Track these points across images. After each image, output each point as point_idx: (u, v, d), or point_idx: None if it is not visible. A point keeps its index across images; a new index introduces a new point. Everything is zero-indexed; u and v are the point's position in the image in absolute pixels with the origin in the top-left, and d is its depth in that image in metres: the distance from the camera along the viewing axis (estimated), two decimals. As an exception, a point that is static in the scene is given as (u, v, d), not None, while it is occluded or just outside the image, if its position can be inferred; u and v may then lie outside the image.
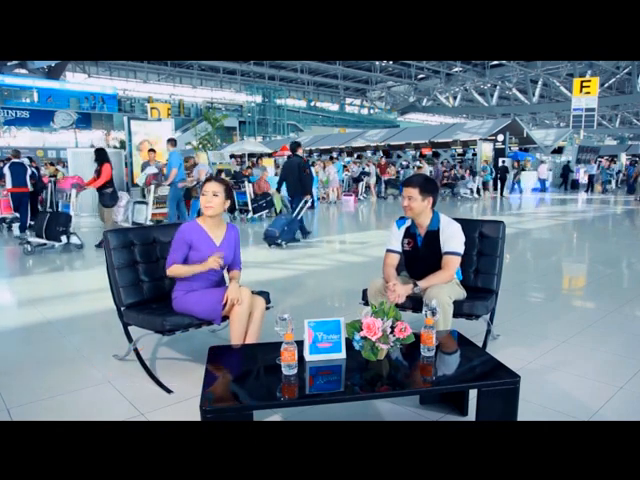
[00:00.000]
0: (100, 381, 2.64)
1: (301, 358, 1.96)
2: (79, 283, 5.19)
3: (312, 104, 44.49)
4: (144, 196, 9.53)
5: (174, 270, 2.64)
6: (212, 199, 2.63)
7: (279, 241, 6.84)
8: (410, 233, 2.87)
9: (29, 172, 8.96)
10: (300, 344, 1.99)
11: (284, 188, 13.10)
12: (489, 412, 1.88)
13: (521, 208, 13.74)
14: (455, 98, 43.72)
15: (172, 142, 8.82)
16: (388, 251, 2.90)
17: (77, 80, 34.69)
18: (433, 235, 2.79)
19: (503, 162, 18.31)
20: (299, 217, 7.28)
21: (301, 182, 7.28)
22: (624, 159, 27.14)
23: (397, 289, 2.58)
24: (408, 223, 2.89)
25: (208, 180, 2.72)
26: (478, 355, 2.17)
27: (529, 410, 2.20)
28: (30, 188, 8.99)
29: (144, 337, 2.78)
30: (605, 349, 3.02)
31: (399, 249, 2.89)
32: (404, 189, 2.79)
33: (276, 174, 14.66)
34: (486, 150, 19.24)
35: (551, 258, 6.54)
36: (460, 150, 23.18)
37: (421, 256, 2.83)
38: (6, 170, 8.87)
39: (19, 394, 2.50)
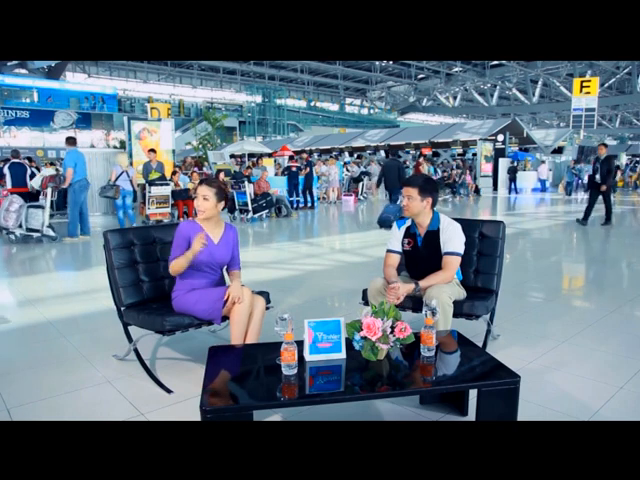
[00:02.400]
0: (100, 381, 2.64)
1: (301, 358, 1.96)
2: (79, 283, 5.19)
3: (312, 104, 44.48)
4: (143, 197, 9.47)
5: (173, 267, 2.64)
6: (202, 203, 2.65)
7: (392, 223, 8.41)
8: (410, 233, 2.87)
9: (29, 172, 8.96)
10: (300, 344, 1.99)
11: (282, 187, 13.13)
12: (489, 412, 1.88)
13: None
14: (455, 98, 43.71)
15: (70, 140, 7.85)
16: (388, 251, 2.91)
17: (77, 80, 34.69)
18: (433, 235, 2.79)
19: (512, 162, 18.91)
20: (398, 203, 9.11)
21: (399, 179, 9.20)
22: (624, 159, 27.16)
23: (399, 292, 2.59)
24: (408, 223, 2.89)
25: (200, 183, 2.73)
26: (478, 355, 2.17)
27: (529, 410, 2.20)
28: (30, 188, 8.99)
29: (144, 337, 2.78)
30: (605, 349, 3.02)
31: (399, 249, 2.89)
32: (404, 189, 2.80)
33: (276, 174, 14.67)
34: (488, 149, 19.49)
35: (550, 258, 6.55)
36: (460, 150, 23.18)
37: (421, 256, 2.83)
38: (6, 170, 8.88)
39: (19, 394, 2.49)
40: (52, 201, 11.76)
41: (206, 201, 2.65)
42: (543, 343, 3.10)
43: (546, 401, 2.34)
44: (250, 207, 10.38)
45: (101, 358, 2.95)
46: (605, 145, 9.18)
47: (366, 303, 2.88)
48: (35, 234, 7.65)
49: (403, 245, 2.89)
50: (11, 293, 4.83)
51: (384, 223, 8.60)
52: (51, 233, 7.68)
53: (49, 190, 7.68)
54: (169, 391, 2.49)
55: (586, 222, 9.06)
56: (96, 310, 3.95)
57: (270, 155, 19.95)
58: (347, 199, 15.72)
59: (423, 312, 2.11)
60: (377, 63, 39.81)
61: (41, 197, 7.91)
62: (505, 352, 2.90)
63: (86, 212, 8.04)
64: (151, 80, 39.54)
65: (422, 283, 2.67)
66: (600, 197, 8.95)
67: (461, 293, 2.80)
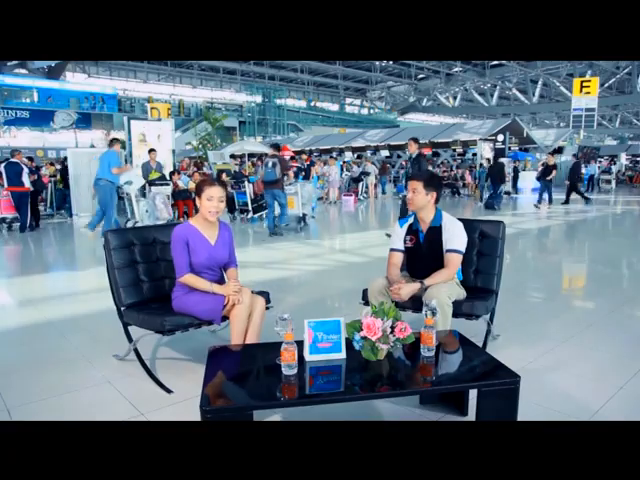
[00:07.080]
0: (100, 381, 2.64)
1: (301, 358, 1.96)
2: (79, 283, 5.19)
3: (312, 104, 44.44)
4: (144, 195, 9.50)
5: (188, 280, 2.61)
6: (219, 205, 2.66)
7: (495, 207, 12.22)
8: (412, 230, 2.89)
9: (25, 171, 8.93)
10: (300, 344, 1.99)
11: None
12: (489, 412, 1.88)
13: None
14: (455, 98, 43.67)
15: (110, 142, 7.85)
16: (392, 250, 2.92)
17: (77, 80, 34.65)
18: (435, 231, 2.80)
19: (515, 162, 19.21)
20: (499, 193, 13.06)
21: (499, 175, 13.00)
22: (624, 159, 27.17)
23: (402, 292, 2.59)
24: (410, 221, 2.91)
25: (210, 184, 2.68)
26: (478, 355, 2.17)
27: (529, 410, 2.19)
28: (30, 187, 8.99)
29: (144, 337, 2.78)
30: (605, 349, 3.02)
31: (402, 247, 2.91)
32: (409, 182, 2.85)
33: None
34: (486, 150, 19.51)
35: (550, 258, 6.54)
36: (460, 150, 23.17)
37: (422, 253, 2.84)
38: (2, 170, 8.88)
39: (19, 394, 2.49)
40: (51, 201, 11.81)
41: (221, 202, 2.68)
42: (543, 343, 3.10)
43: (546, 401, 2.34)
44: (250, 207, 10.37)
45: (101, 358, 2.95)
46: (415, 140, 7.07)
47: (366, 303, 2.88)
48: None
49: (405, 242, 2.90)
50: (10, 293, 4.83)
51: (489, 206, 12.34)
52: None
53: None
54: (169, 391, 2.49)
55: None
56: (96, 310, 3.95)
57: (270, 155, 19.91)
58: (347, 199, 15.72)
59: (423, 312, 2.11)
60: (377, 63, 39.75)
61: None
62: (505, 352, 2.89)
63: (108, 212, 7.88)
64: (151, 80, 39.49)
65: (427, 282, 2.68)
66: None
67: (461, 293, 2.80)
